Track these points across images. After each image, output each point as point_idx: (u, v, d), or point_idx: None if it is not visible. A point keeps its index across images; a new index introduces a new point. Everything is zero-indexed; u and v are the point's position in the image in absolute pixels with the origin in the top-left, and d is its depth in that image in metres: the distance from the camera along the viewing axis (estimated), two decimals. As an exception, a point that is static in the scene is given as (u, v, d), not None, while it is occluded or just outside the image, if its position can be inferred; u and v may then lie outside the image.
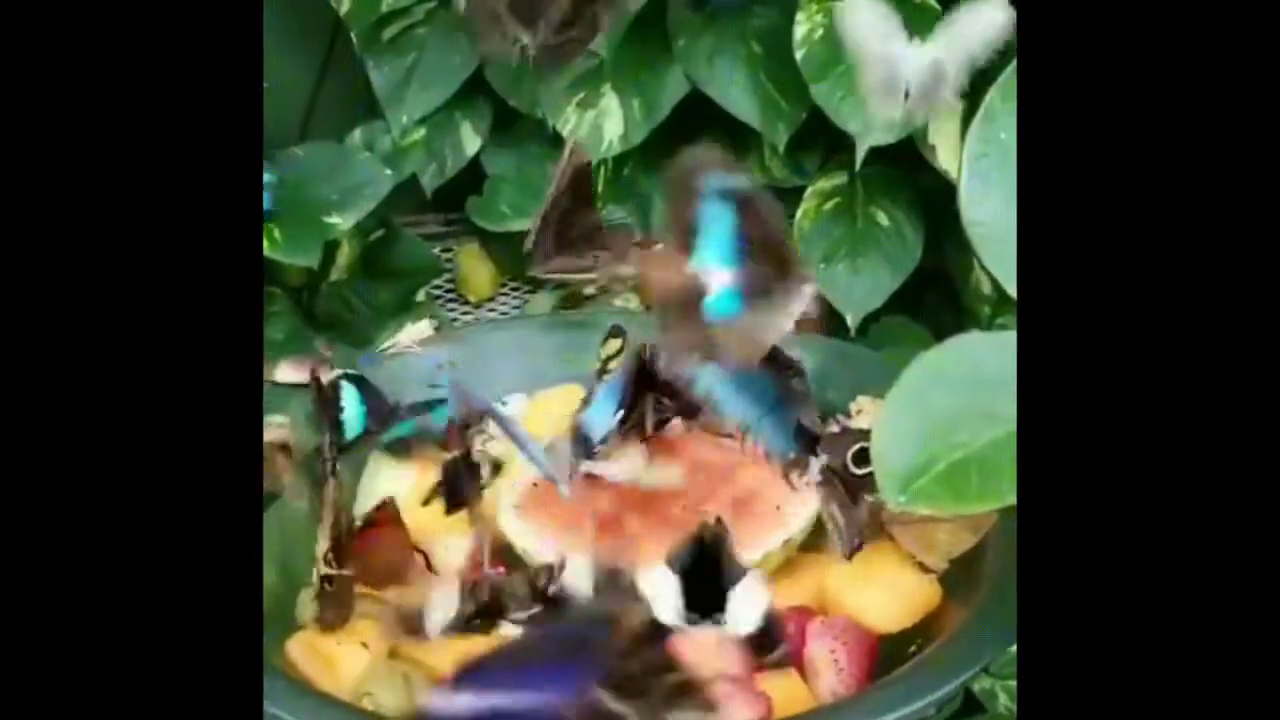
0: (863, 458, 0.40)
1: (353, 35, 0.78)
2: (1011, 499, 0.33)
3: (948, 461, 0.34)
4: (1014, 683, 0.74)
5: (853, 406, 0.48)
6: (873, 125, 0.73)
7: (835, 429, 0.46)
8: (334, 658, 0.40)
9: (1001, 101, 0.39)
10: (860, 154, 0.73)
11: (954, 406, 0.35)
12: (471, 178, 0.83)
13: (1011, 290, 0.38)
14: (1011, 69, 0.39)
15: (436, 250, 0.83)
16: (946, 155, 0.78)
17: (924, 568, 0.42)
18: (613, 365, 0.50)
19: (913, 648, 0.40)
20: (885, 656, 0.40)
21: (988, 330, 0.83)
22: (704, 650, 0.38)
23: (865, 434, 0.40)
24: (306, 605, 0.43)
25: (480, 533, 0.45)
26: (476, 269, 0.84)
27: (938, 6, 0.72)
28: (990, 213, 0.39)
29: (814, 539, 0.44)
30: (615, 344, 0.51)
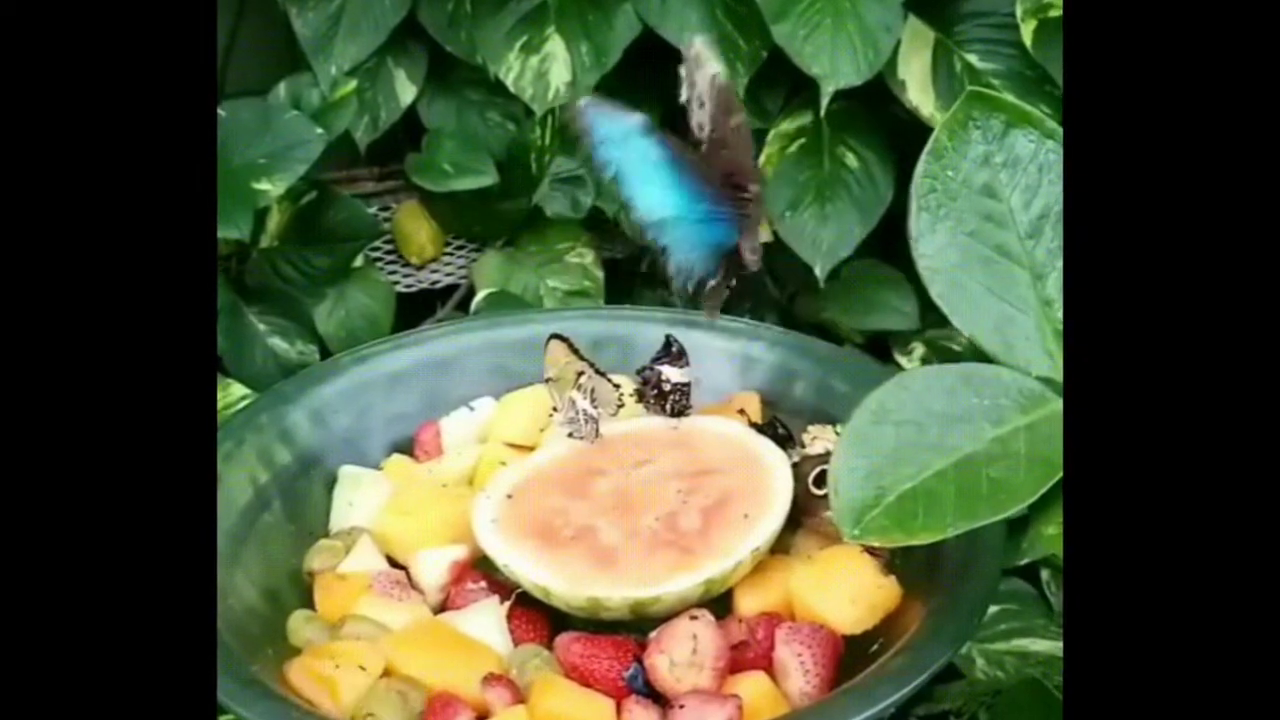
0: (822, 480, 0.52)
1: (272, -19, 0.85)
2: (954, 531, 0.44)
3: (896, 494, 0.46)
4: (991, 645, 0.88)
5: (805, 436, 0.60)
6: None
7: (795, 458, 0.58)
8: (334, 681, 0.52)
9: (949, 139, 0.50)
10: (825, 99, 0.83)
11: (900, 441, 0.47)
12: (405, 126, 0.92)
13: (956, 322, 0.49)
14: (956, 108, 0.50)
15: (374, 210, 0.92)
16: (916, 91, 0.88)
17: (885, 570, 0.54)
18: (553, 374, 0.60)
19: (874, 646, 0.52)
20: (850, 654, 0.53)
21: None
22: (675, 668, 0.50)
23: (823, 458, 0.54)
24: (300, 628, 0.55)
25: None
26: (418, 228, 0.92)
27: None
28: (935, 247, 0.50)
29: (780, 541, 0.56)
30: (559, 348, 0.60)
